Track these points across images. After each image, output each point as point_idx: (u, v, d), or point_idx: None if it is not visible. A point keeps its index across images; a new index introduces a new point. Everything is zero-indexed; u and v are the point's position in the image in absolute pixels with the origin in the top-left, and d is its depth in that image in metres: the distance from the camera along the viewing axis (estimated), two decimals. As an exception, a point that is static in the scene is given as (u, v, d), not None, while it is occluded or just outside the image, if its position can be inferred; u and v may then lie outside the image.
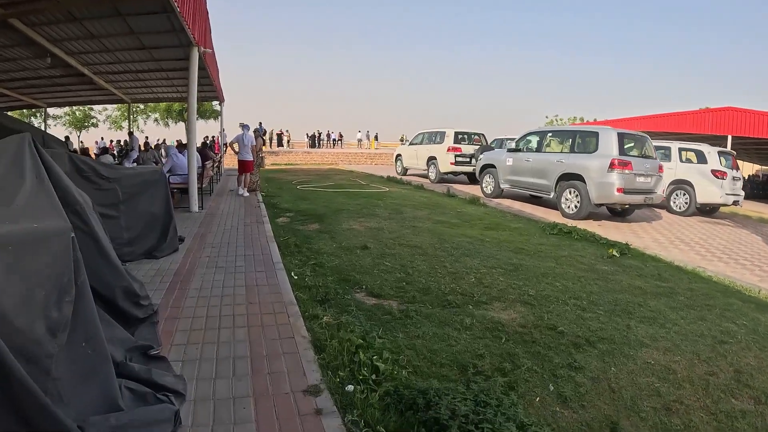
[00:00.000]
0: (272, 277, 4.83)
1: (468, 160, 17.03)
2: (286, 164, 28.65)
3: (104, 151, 13.80)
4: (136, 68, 14.67)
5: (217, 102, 21.29)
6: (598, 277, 5.78)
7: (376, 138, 46.85)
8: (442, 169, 17.37)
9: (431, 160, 18.03)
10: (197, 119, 38.73)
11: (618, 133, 10.38)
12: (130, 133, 17.69)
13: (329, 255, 5.99)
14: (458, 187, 16.66)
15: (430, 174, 18.16)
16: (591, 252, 7.18)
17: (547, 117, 50.78)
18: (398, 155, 21.41)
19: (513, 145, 12.96)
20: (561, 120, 48.62)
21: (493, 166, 13.52)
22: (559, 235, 8.36)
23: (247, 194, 11.28)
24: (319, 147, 42.39)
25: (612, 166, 9.99)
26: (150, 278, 4.69)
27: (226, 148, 28.31)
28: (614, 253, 7.09)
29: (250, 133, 11.44)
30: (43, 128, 21.32)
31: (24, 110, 29.46)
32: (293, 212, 9.46)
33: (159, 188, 5.81)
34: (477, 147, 17.14)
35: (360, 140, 44.99)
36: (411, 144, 20.17)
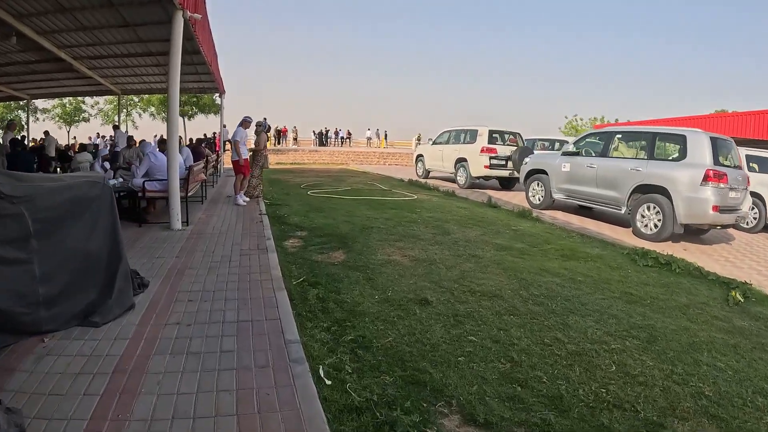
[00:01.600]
0: (286, 380, 2.66)
1: (504, 162, 14.99)
2: (291, 163, 26.51)
3: (82, 148, 11.70)
4: (120, 51, 12.59)
5: (218, 94, 19.15)
6: (752, 344, 3.92)
7: (385, 137, 44.74)
8: (474, 173, 15.26)
9: (460, 162, 15.92)
10: (196, 114, 36.67)
11: (711, 138, 8.25)
12: (116, 127, 15.52)
13: (374, 320, 3.78)
14: (495, 194, 14.52)
15: (458, 178, 16.03)
16: (706, 294, 5.34)
17: (566, 117, 48.41)
18: (419, 156, 19.30)
19: (570, 147, 10.74)
20: (581, 120, 46.29)
21: (543, 171, 11.29)
22: (656, 268, 6.28)
23: (245, 202, 9.16)
24: (326, 145, 40.26)
25: (707, 178, 7.88)
26: (72, 378, 2.56)
27: (225, 145, 26.24)
28: (738, 297, 5.23)
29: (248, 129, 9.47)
30: (27, 122, 19.28)
31: (10, 102, 27.61)
32: (306, 230, 7.29)
33: (100, 210, 3.63)
34: (514, 148, 15.03)
35: (369, 138, 42.97)
36: (435, 143, 18.06)
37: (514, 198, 13.55)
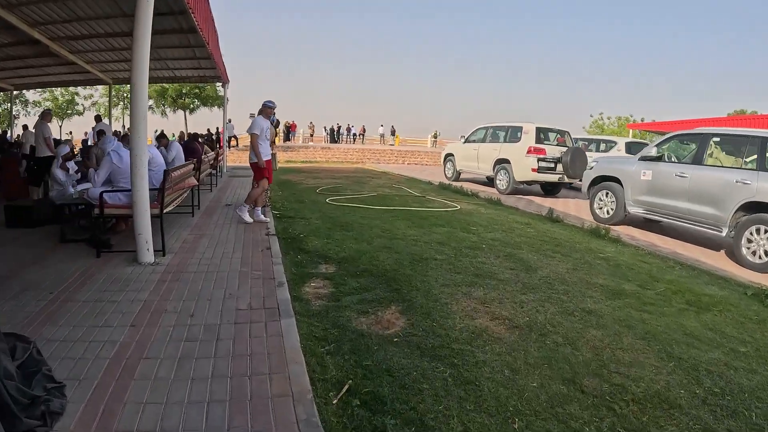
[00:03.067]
0: None
1: (552, 165, 12.89)
2: (302, 162, 24.39)
3: (55, 143, 9.70)
4: (103, 30, 10.58)
5: (220, 84, 17.08)
6: None
7: (392, 133, 42.63)
8: (519, 177, 13.11)
9: (501, 163, 13.78)
10: (198, 107, 34.67)
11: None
12: (97, 118, 13.35)
13: None
14: (541, 202, 12.40)
15: (498, 182, 13.85)
16: None
17: (591, 116, 45.85)
18: (449, 155, 17.16)
19: (652, 151, 8.54)
20: (609, 119, 43.72)
21: (614, 179, 9.14)
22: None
23: (246, 217, 6.91)
24: (338, 142, 38.17)
25: None
26: None
27: (230, 142, 24.00)
28: None
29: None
30: (11, 116, 17.28)
31: None
32: (334, 263, 5.14)
33: None
34: (563, 149, 12.92)
35: (382, 135, 40.86)
36: (468, 141, 15.94)
37: (565, 206, 11.64)
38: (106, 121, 15.05)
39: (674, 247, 7.56)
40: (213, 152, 11.24)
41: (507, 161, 13.47)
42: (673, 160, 8.30)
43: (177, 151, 8.14)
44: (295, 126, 36.68)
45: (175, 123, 43.93)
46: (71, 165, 7.00)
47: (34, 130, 10.55)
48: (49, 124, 10.56)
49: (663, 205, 8.04)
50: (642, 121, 38.31)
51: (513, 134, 13.77)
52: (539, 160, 12.75)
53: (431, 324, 3.62)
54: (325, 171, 18.73)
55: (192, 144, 9.83)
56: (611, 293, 4.63)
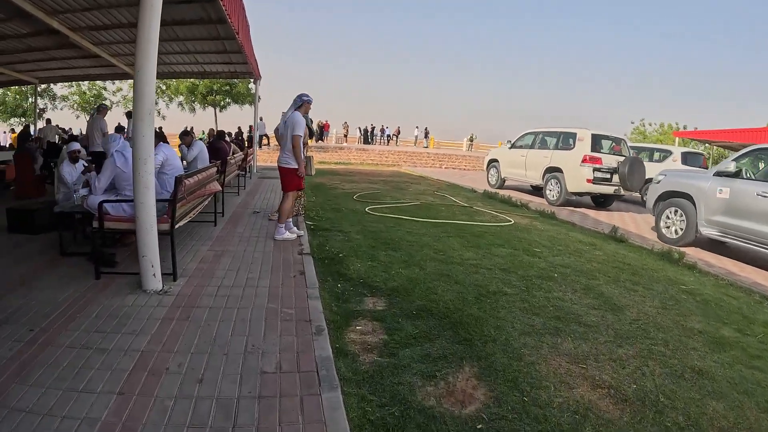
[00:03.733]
0: None
1: (608, 176, 11.85)
2: (336, 163, 23.66)
3: (72, 138, 9.15)
4: (126, 19, 10.00)
5: (252, 80, 16.44)
6: None
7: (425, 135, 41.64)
8: (572, 187, 12.09)
9: (552, 172, 12.78)
10: (228, 104, 34.40)
11: None
12: (129, 114, 12.73)
13: None
14: (592, 214, 11.30)
15: (549, 193, 12.82)
16: None
17: (632, 123, 43.65)
18: (493, 161, 16.20)
19: (730, 165, 7.42)
20: (651, 125, 41.53)
21: (685, 196, 8.06)
22: None
23: (286, 236, 5.96)
24: (371, 143, 37.43)
25: None
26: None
27: (262, 141, 23.29)
28: None
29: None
30: (35, 110, 17.04)
31: (24, 88, 25.77)
32: (382, 296, 4.22)
33: None
34: (620, 159, 11.93)
35: (417, 137, 39.93)
36: (514, 147, 14.94)
37: (621, 221, 10.74)
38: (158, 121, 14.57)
39: (752, 275, 6.54)
40: (241, 153, 10.49)
41: (559, 170, 12.49)
42: (750, 176, 7.27)
43: (200, 150, 7.39)
44: (329, 126, 36.06)
45: (205, 120, 44.02)
46: (79, 166, 6.28)
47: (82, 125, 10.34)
48: (105, 118, 10.26)
49: (742, 227, 7.02)
50: (685, 128, 36.24)
51: (565, 141, 12.80)
52: (595, 170, 11.75)
53: (521, 398, 2.68)
54: (361, 174, 17.91)
55: (218, 143, 9.09)
56: (713, 343, 3.76)
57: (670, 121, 39.56)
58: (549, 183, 12.82)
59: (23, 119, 26.88)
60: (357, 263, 5.11)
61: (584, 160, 11.79)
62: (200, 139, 18.24)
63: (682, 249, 7.64)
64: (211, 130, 18.36)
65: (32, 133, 15.71)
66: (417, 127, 40.77)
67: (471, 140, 40.69)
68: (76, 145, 6.24)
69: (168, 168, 4.95)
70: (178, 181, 3.84)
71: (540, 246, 6.66)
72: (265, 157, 22.54)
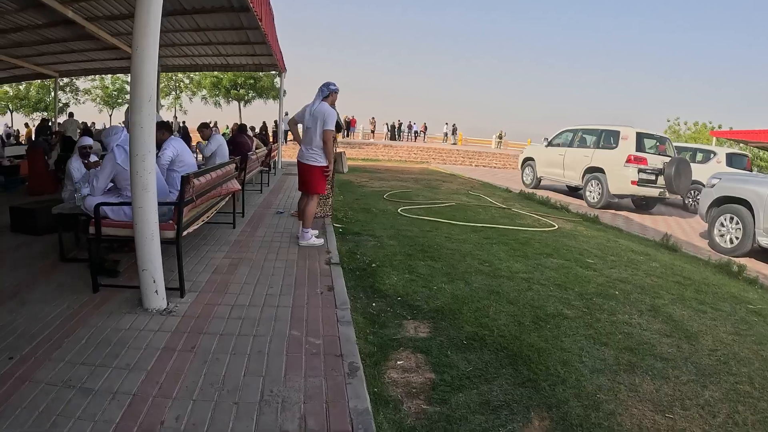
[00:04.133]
0: None
1: (653, 178, 11.12)
2: (363, 159, 23.12)
3: (86, 132, 8.76)
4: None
5: (276, 72, 15.98)
6: None
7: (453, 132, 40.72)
8: (615, 189, 11.34)
9: (593, 172, 12.03)
10: (253, 98, 34.02)
11: None
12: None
13: None
14: (641, 220, 10.53)
15: (589, 194, 12.08)
16: None
17: (668, 120, 41.74)
18: (528, 159, 15.49)
19: None
20: (685, 124, 39.66)
21: (743, 202, 7.42)
22: None
23: (312, 242, 5.33)
24: (398, 139, 36.80)
25: None
26: None
27: (288, 136, 22.83)
28: None
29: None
30: (56, 103, 16.88)
31: (45, 82, 25.87)
32: (425, 319, 3.59)
33: None
34: (666, 159, 11.18)
35: (446, 134, 39.13)
36: (551, 145, 14.19)
37: (666, 225, 10.09)
38: (162, 113, 14.21)
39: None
40: (265, 148, 9.98)
41: (600, 170, 11.74)
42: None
43: (218, 146, 6.87)
44: (355, 121, 35.53)
45: (229, 115, 43.89)
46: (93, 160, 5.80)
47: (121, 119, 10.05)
48: None
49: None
50: (719, 128, 34.41)
51: (607, 139, 12.05)
52: (640, 171, 11.00)
53: None
54: (390, 171, 17.30)
55: (239, 137, 8.56)
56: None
57: (703, 120, 37.79)
58: (589, 184, 12.09)
59: (45, 113, 27.05)
60: (393, 275, 4.49)
61: (629, 161, 11.08)
62: (224, 134, 17.80)
63: (739, 260, 6.85)
64: (235, 124, 18.00)
65: (51, 127, 15.55)
66: (447, 123, 39.93)
67: (500, 138, 39.57)
68: (88, 140, 5.77)
69: (179, 165, 4.42)
70: (185, 180, 3.27)
71: (592, 256, 5.95)
72: (291, 153, 22.08)
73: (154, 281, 3.14)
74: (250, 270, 4.28)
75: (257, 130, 17.78)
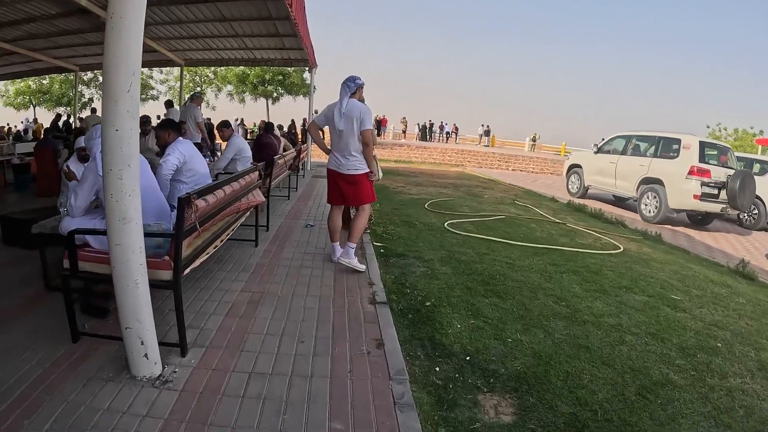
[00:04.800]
0: None
1: (716, 192, 10.08)
2: (396, 161, 22.21)
3: (80, 133, 8.03)
4: (167, -2, 9.03)
5: (307, 69, 15.21)
6: None
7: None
8: (674, 203, 10.29)
9: (649, 183, 10.99)
10: (282, 95, 33.26)
11: None
12: (168, 104, 11.57)
13: None
14: (701, 238, 9.47)
15: (644, 207, 11.02)
16: None
17: (708, 127, 39.66)
18: (574, 166, 14.44)
19: None
20: (725, 130, 37.55)
21: None
22: None
23: (354, 264, 4.44)
24: (429, 140, 35.80)
25: None
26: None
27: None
28: None
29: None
30: (75, 98, 16.45)
31: (66, 76, 25.52)
32: (506, 393, 2.67)
33: None
34: (729, 172, 10.16)
35: (481, 135, 37.92)
36: (601, 151, 13.18)
37: (730, 245, 9.22)
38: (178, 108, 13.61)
39: None
40: (293, 149, 9.15)
41: (659, 182, 10.69)
42: None
43: (239, 149, 6.02)
44: (386, 121, 34.59)
45: (256, 112, 43.21)
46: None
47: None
48: (199, 107, 9.33)
49: None
50: (761, 134, 32.27)
51: (666, 148, 11.01)
52: (703, 184, 9.92)
53: None
54: (425, 175, 16.36)
55: (266, 138, 7.72)
56: None
57: (744, 126, 35.76)
58: (645, 196, 10.99)
59: (68, 108, 26.84)
60: (455, 321, 3.57)
61: (691, 172, 10.03)
62: (251, 131, 16.96)
63: None
64: (262, 122, 17.26)
65: (63, 123, 15.08)
66: (483, 125, 38.65)
67: (533, 140, 38.06)
68: (81, 141, 5.01)
69: (188, 175, 3.59)
70: (185, 202, 2.39)
71: (674, 290, 5.00)
72: (319, 152, 21.30)
73: (143, 343, 2.29)
74: (274, 312, 3.39)
75: (285, 129, 16.98)
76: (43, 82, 28.17)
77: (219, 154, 9.47)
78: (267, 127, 8.20)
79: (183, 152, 3.66)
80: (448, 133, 39.28)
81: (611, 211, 10.98)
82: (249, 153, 6.16)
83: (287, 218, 6.72)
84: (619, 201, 13.30)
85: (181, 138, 3.79)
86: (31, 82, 28.04)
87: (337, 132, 4.33)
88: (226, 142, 6.16)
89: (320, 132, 4.63)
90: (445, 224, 7.14)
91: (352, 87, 4.32)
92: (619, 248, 6.78)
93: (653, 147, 11.36)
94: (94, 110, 14.76)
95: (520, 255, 5.80)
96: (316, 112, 15.51)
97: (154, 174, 3.27)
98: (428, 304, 3.88)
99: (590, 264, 5.70)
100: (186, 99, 9.45)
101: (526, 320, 3.73)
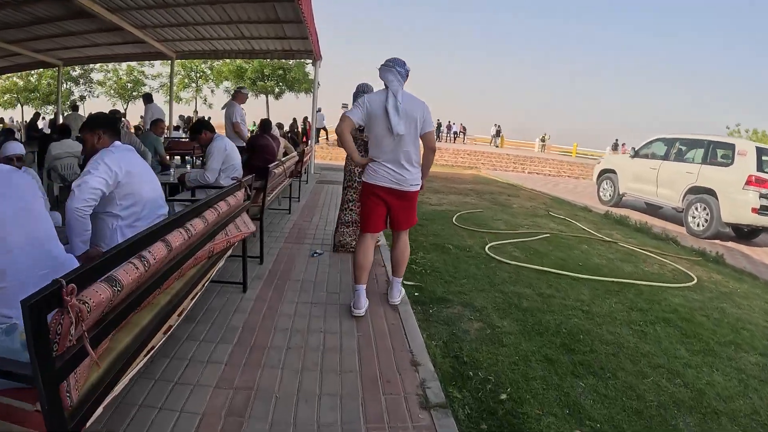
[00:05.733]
0: None
1: None
2: (404, 164, 20.85)
3: (63, 132, 6.65)
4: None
5: (310, 62, 13.87)
6: None
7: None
8: (729, 217, 9.03)
9: (698, 193, 9.69)
10: (283, 91, 31.83)
11: None
12: (146, 98, 9.84)
13: None
14: (757, 256, 8.23)
15: (692, 220, 9.70)
16: None
17: (727, 128, 38.33)
18: (606, 171, 13.08)
19: None
20: (747, 132, 36.20)
21: None
22: None
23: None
24: (438, 140, 34.54)
25: None
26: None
27: (320, 134, 20.61)
28: None
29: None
30: (59, 94, 15.15)
31: (50, 71, 24.17)
32: None
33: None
34: None
35: (493, 136, 36.67)
36: (639, 156, 11.82)
37: None
38: (181, 107, 12.20)
39: None
40: (295, 153, 7.79)
41: (710, 192, 9.38)
42: None
43: (226, 155, 4.62)
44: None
45: (256, 110, 41.54)
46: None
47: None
48: (242, 106, 7.74)
49: None
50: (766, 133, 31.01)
51: (717, 153, 9.80)
52: (761, 196, 8.67)
53: None
54: (439, 179, 15.01)
55: (261, 139, 6.34)
56: None
57: (761, 128, 34.39)
58: (693, 208, 9.66)
59: (54, 107, 25.55)
60: (550, 427, 2.25)
61: (749, 182, 8.76)
62: (251, 130, 15.45)
63: None
64: (263, 121, 15.84)
65: (49, 123, 13.80)
66: (495, 124, 37.35)
67: (543, 141, 36.65)
68: (16, 148, 3.72)
69: (123, 204, 2.25)
70: (39, 312, 1.04)
71: None
72: (323, 154, 19.96)
73: None
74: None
75: (286, 129, 15.57)
76: (31, 79, 26.80)
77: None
78: (264, 126, 6.80)
79: (113, 166, 2.31)
80: (455, 132, 38.14)
81: (651, 222, 9.75)
82: (237, 160, 4.77)
83: (287, 241, 5.36)
84: (652, 209, 12.01)
85: (118, 143, 2.44)
86: (18, 80, 26.67)
87: (392, 136, 3.21)
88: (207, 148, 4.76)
89: (349, 134, 3.32)
90: (486, 248, 5.76)
91: (404, 74, 3.29)
92: (693, 279, 5.49)
93: (701, 152, 10.06)
94: (75, 107, 13.42)
95: (592, 295, 4.47)
96: (319, 109, 14.16)
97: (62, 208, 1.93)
98: (504, 397, 2.54)
99: (677, 306, 4.41)
100: (228, 99, 7.79)
101: (645, 416, 2.46)
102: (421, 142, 3.37)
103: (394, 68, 3.20)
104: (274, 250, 4.94)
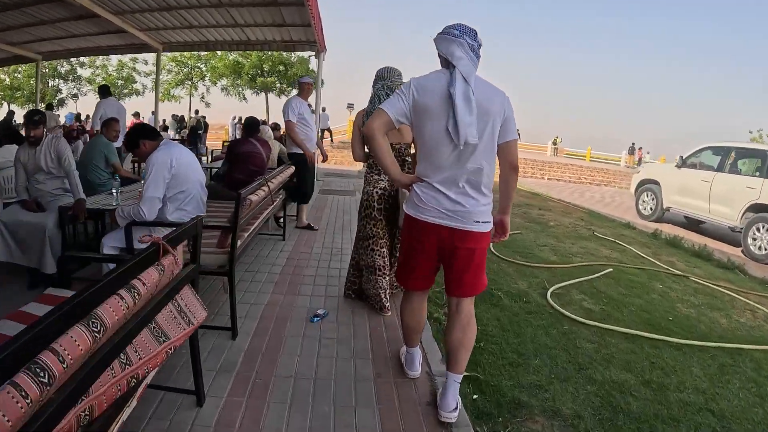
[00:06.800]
0: None
1: None
2: (413, 170, 19.54)
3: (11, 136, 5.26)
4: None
5: (312, 54, 12.54)
6: None
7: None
8: None
9: (760, 211, 8.56)
10: (285, 89, 30.40)
11: None
12: (103, 90, 8.20)
13: None
14: None
15: (752, 242, 8.49)
16: None
17: (750, 132, 36.98)
18: (647, 182, 11.76)
19: None
20: None
21: None
22: None
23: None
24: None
25: None
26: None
27: (323, 135, 19.34)
28: None
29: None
30: (37, 91, 13.94)
31: (21, 65, 22.72)
32: None
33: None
34: None
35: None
36: (686, 165, 10.58)
37: None
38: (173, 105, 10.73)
39: None
40: (289, 164, 6.21)
41: None
42: None
43: (173, 174, 3.07)
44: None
45: (255, 109, 39.86)
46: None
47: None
48: (308, 100, 6.15)
49: None
50: None
51: None
52: None
53: None
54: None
55: (243, 145, 4.90)
56: None
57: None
58: (754, 228, 8.44)
59: (41, 105, 24.29)
60: None
61: None
62: (225, 142, 13.80)
63: None
64: (250, 119, 14.35)
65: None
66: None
67: (555, 144, 34.98)
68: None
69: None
70: None
71: None
72: (328, 157, 18.51)
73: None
74: None
75: (282, 132, 14.08)
76: (17, 75, 25.44)
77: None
78: (248, 125, 5.28)
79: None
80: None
81: (699, 240, 8.68)
82: (195, 181, 3.22)
83: (277, 290, 3.92)
84: (691, 222, 10.80)
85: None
86: (5, 76, 25.37)
87: (453, 144, 2.04)
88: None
89: (382, 138, 1.93)
90: (548, 296, 4.33)
91: (477, 50, 2.06)
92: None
93: (762, 164, 8.79)
94: (50, 106, 12.14)
95: (706, 375, 3.17)
96: (323, 109, 12.74)
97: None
98: None
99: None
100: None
101: None
102: (497, 155, 2.16)
103: (462, 38, 1.98)
104: (256, 308, 3.50)
